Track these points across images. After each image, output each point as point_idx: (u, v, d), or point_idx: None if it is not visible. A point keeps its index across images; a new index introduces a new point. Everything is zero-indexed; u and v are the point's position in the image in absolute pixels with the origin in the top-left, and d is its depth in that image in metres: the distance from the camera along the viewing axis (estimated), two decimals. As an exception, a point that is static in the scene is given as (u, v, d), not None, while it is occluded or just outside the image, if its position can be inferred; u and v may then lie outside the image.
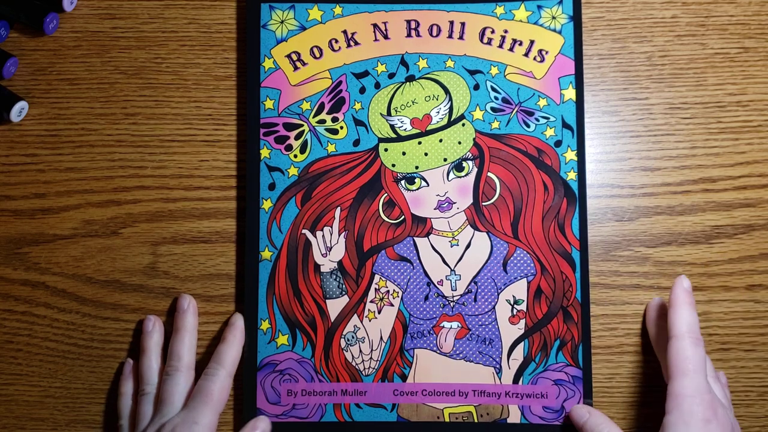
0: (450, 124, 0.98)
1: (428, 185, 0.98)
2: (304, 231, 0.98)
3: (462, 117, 0.98)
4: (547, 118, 0.98)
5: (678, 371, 0.88)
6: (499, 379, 0.97)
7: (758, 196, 1.00)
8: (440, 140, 0.98)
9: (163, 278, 1.00)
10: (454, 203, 0.98)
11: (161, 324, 1.00)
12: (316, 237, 0.98)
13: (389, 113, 0.98)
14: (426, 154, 0.98)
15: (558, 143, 0.98)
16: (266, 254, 0.98)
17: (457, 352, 0.97)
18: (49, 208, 1.01)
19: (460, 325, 0.97)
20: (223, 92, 1.02)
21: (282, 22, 1.00)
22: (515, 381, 0.97)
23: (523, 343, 0.97)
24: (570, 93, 0.98)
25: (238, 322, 0.98)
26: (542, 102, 0.98)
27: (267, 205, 0.98)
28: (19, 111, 1.00)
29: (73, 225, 1.01)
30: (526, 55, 0.99)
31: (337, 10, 0.99)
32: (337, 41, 0.99)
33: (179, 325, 0.98)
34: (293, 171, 0.98)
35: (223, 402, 0.94)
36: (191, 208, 1.01)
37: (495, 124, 0.98)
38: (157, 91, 1.02)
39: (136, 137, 1.01)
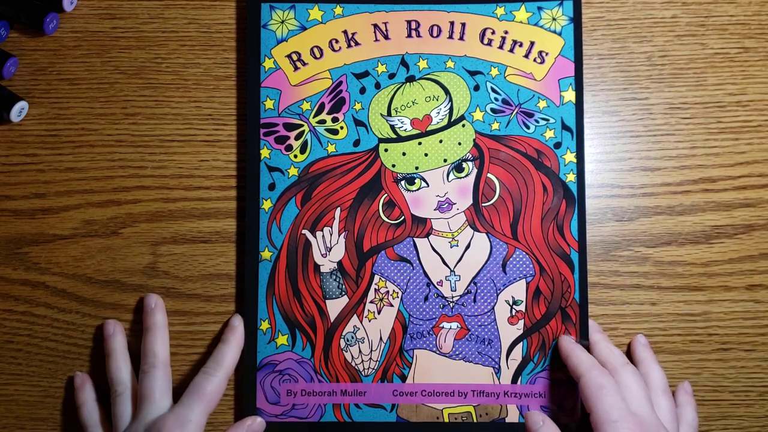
0: (450, 124, 0.98)
1: (428, 186, 0.98)
2: (304, 231, 0.98)
3: (462, 118, 0.98)
4: (547, 120, 0.98)
5: (596, 399, 0.88)
6: (498, 379, 0.97)
7: (758, 196, 1.00)
8: (440, 141, 0.98)
9: (163, 278, 1.01)
10: (454, 204, 0.98)
11: (121, 326, 1.00)
12: (316, 237, 0.98)
13: (389, 113, 0.98)
14: (426, 155, 0.98)
15: (557, 145, 0.98)
16: (266, 254, 0.98)
17: (457, 352, 0.97)
18: (49, 208, 1.01)
19: (459, 326, 0.97)
20: (223, 92, 1.02)
21: (282, 22, 0.99)
22: (514, 381, 0.97)
23: (521, 343, 0.97)
24: (570, 95, 0.98)
25: (239, 324, 0.98)
26: (542, 103, 0.98)
27: (267, 205, 0.98)
28: (19, 111, 1.00)
29: (73, 225, 1.01)
30: (527, 56, 0.98)
31: (338, 10, 0.99)
32: (337, 41, 0.99)
33: (150, 324, 0.98)
34: (293, 171, 0.98)
35: (215, 402, 0.94)
36: (191, 208, 1.01)
37: (495, 126, 0.98)
38: (157, 91, 1.02)
39: (136, 137, 1.01)
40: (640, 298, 1.00)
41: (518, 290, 0.97)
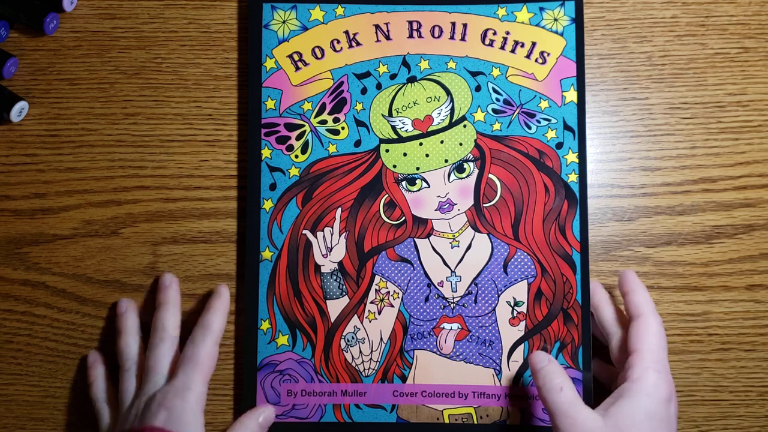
0: (451, 125, 0.98)
1: (429, 186, 0.98)
2: (304, 231, 0.98)
3: (463, 118, 0.98)
4: (549, 120, 0.98)
5: (646, 346, 0.89)
6: (499, 381, 0.97)
7: (758, 196, 1.00)
8: (441, 141, 0.98)
9: (163, 278, 1.01)
10: (455, 204, 0.98)
11: (135, 305, 1.00)
12: (316, 237, 0.98)
13: (390, 114, 0.98)
14: (427, 155, 0.98)
15: (559, 145, 0.98)
16: (267, 254, 0.98)
17: (457, 353, 0.97)
18: (49, 208, 1.01)
19: (460, 327, 0.97)
20: (224, 92, 1.02)
21: (284, 22, 0.99)
22: (515, 383, 0.97)
23: (523, 344, 0.97)
24: (571, 95, 0.98)
25: (224, 291, 0.98)
26: (544, 104, 0.98)
27: (268, 205, 0.98)
28: (19, 111, 1.00)
29: (73, 225, 1.01)
30: (528, 56, 0.98)
31: (339, 10, 0.99)
32: (338, 42, 0.99)
33: (162, 300, 0.98)
34: (294, 171, 0.98)
35: (211, 368, 0.93)
36: (191, 208, 1.01)
37: (496, 126, 0.98)
38: (157, 91, 1.02)
39: (136, 137, 1.01)
40: (640, 299, 1.00)
41: (519, 291, 0.97)
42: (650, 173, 1.01)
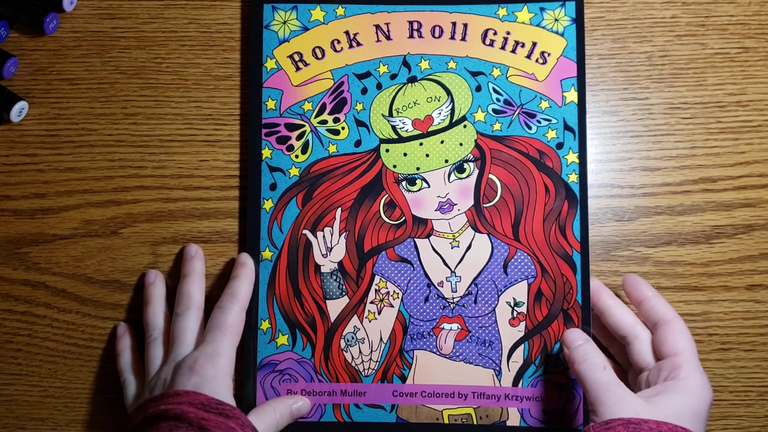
0: (451, 125, 0.98)
1: (429, 186, 0.98)
2: (304, 231, 0.98)
3: (464, 118, 0.98)
4: (549, 120, 0.98)
5: (686, 348, 0.91)
6: (499, 382, 0.97)
7: (758, 196, 1.00)
8: (441, 141, 0.98)
9: (163, 278, 1.01)
10: (455, 205, 0.98)
11: (162, 277, 1.00)
12: (316, 237, 0.98)
13: (391, 114, 0.98)
14: (427, 156, 0.98)
15: (559, 145, 0.98)
16: (267, 254, 0.98)
17: (457, 353, 0.97)
18: (49, 208, 1.01)
19: (460, 327, 0.97)
20: (224, 92, 1.02)
21: (284, 22, 0.99)
22: (515, 383, 0.97)
23: (523, 345, 0.97)
24: (572, 95, 0.98)
25: (248, 260, 0.98)
26: (544, 104, 0.98)
27: (268, 205, 0.98)
28: (19, 111, 1.00)
29: (73, 225, 1.01)
30: (529, 57, 0.98)
31: (340, 10, 0.99)
32: (339, 42, 0.99)
33: (188, 270, 0.99)
34: (294, 171, 0.98)
35: (239, 335, 0.94)
36: (191, 208, 1.01)
37: (497, 126, 0.98)
38: (157, 91, 1.02)
39: (136, 137, 1.01)
40: (640, 299, 1.00)
41: (519, 292, 0.97)
42: (650, 173, 1.01)
